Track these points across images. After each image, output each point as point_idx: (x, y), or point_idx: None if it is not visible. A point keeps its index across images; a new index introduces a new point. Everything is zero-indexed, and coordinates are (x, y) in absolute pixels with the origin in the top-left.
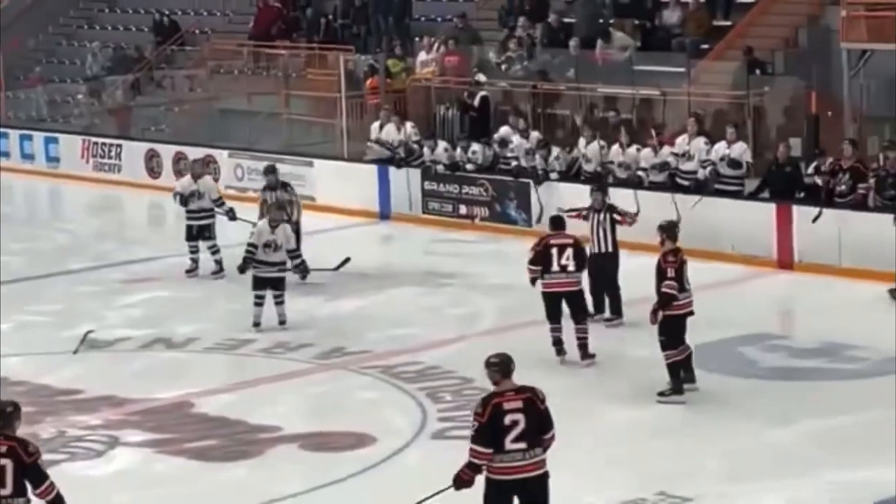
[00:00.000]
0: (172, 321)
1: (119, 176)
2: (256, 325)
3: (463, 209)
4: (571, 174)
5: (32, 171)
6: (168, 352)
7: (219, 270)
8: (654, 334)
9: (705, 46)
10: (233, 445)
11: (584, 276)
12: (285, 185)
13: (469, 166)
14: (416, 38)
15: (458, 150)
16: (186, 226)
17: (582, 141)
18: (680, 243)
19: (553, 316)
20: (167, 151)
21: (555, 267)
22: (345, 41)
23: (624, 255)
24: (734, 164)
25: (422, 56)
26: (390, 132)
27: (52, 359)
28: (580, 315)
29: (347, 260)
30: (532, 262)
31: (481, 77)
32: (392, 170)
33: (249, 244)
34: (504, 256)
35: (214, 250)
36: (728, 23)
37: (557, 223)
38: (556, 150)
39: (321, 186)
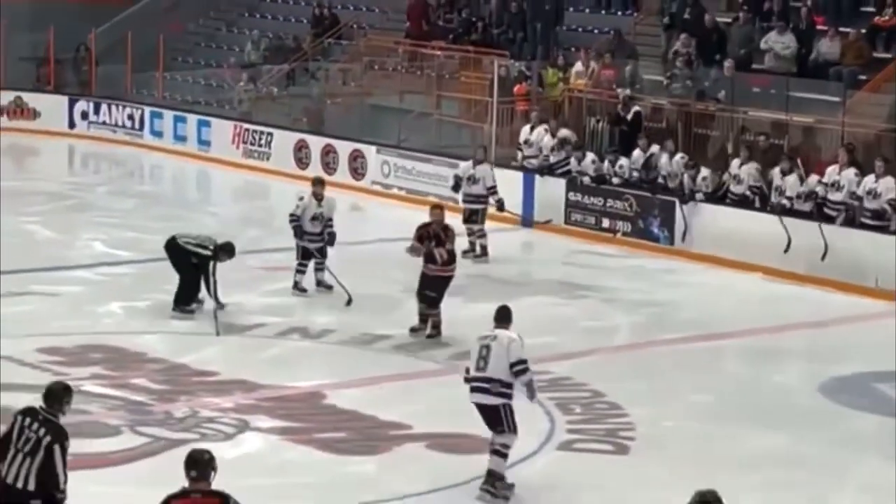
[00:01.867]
0: (310, 311)
1: (268, 164)
2: (304, 290)
3: (606, 222)
4: (718, 195)
5: (183, 152)
6: (303, 341)
7: (482, 254)
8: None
9: (863, 77)
10: (361, 440)
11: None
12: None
13: (615, 180)
14: (572, 49)
15: (606, 162)
16: (463, 209)
17: (735, 161)
18: (822, 275)
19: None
20: (317, 143)
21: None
22: (499, 45)
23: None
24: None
25: (578, 66)
26: (542, 137)
27: (190, 339)
28: None
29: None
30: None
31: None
32: (537, 178)
33: (293, 215)
34: (643, 273)
35: (481, 234)
36: (888, 55)
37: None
38: (704, 171)
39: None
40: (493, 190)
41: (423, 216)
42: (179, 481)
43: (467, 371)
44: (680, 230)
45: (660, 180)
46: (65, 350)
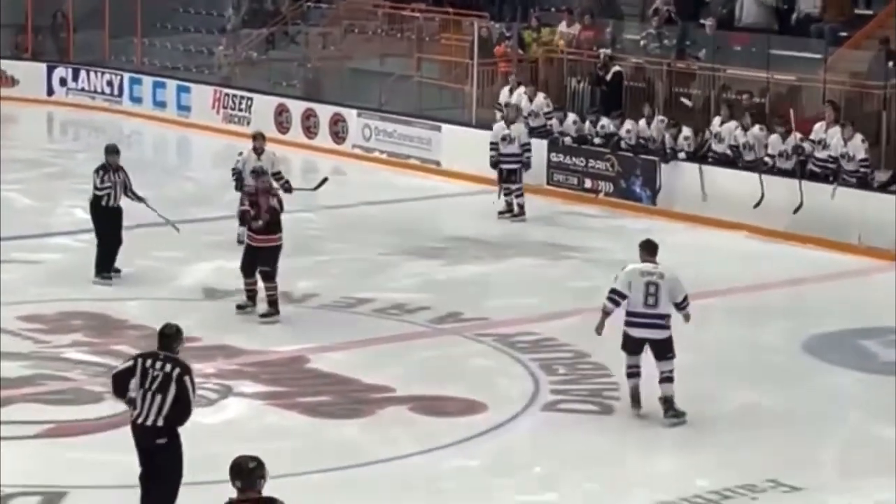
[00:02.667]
0: (292, 276)
1: (248, 129)
2: (242, 242)
3: (588, 183)
4: (700, 154)
5: (163, 118)
6: (286, 305)
7: (519, 213)
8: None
9: (844, 34)
10: (345, 403)
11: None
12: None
13: (597, 140)
14: (552, 9)
15: (587, 123)
16: (498, 169)
17: (716, 120)
18: (806, 232)
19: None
20: (297, 107)
21: None
22: (479, 7)
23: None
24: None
25: (562, 27)
26: (521, 99)
27: (172, 305)
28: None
29: (325, 180)
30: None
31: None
32: None
33: (233, 170)
34: (626, 232)
35: (518, 194)
36: (870, 11)
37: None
38: (686, 130)
39: (447, 151)
40: (527, 147)
41: (404, 178)
42: None
43: (616, 294)
44: (661, 189)
45: (641, 142)
46: (46, 317)
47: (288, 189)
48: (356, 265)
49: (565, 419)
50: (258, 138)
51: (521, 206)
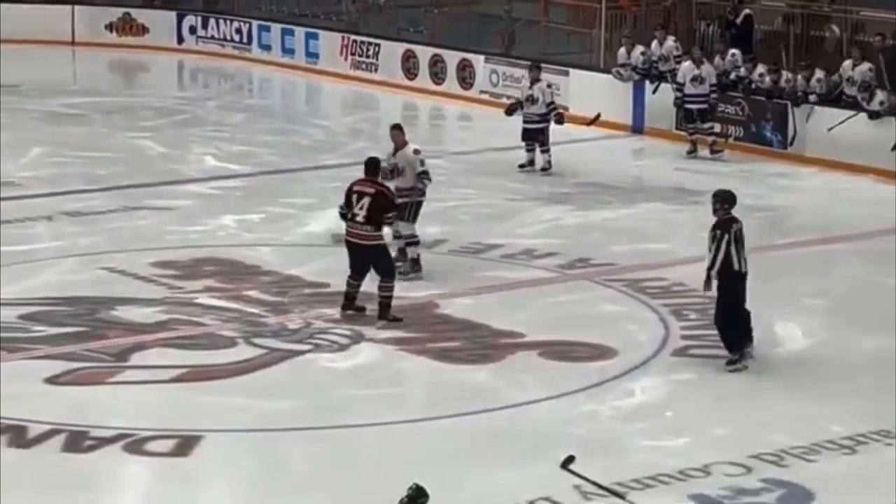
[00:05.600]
0: (421, 221)
1: (375, 75)
2: (522, 166)
3: (717, 127)
4: (832, 98)
5: (292, 65)
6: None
7: (716, 152)
8: None
9: None
10: (475, 348)
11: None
12: None
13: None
14: None
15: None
16: (686, 109)
17: (847, 63)
18: None
19: (350, 267)
20: (424, 53)
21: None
22: None
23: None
24: None
25: None
26: (671, 53)
27: (302, 251)
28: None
29: (598, 116)
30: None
31: None
32: (647, 84)
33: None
34: (756, 177)
35: (710, 133)
36: None
37: (368, 167)
38: (818, 73)
39: (575, 96)
40: (714, 89)
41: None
42: (296, 391)
43: None
44: (793, 134)
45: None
46: (178, 263)
47: (559, 121)
48: (484, 211)
49: (696, 364)
50: (533, 69)
51: (715, 150)
